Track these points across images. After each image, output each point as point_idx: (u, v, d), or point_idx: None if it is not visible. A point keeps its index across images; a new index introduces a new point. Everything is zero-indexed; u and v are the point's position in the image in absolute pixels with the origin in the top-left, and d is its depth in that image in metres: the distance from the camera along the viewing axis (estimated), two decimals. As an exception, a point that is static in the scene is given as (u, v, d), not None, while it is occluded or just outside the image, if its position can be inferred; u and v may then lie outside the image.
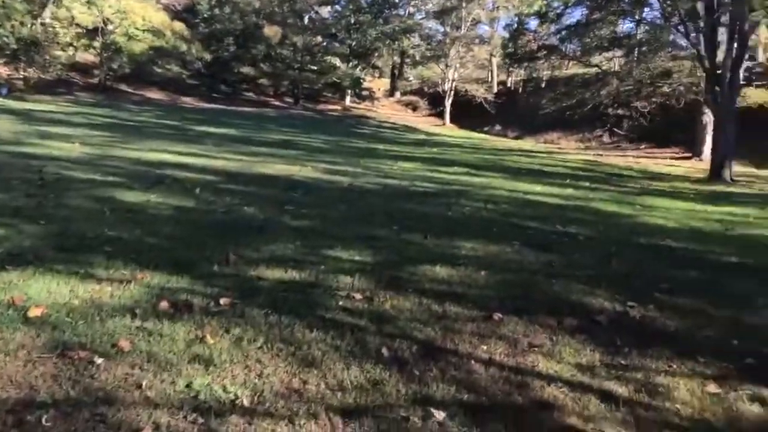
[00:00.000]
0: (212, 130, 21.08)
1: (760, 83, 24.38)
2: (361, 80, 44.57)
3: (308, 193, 9.10)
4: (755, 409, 2.92)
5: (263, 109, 38.31)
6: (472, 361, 3.19)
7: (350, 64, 44.24)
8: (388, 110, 45.04)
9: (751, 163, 23.72)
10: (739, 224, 8.95)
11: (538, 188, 12.42)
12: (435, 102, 43.54)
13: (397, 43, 42.82)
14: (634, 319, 4.04)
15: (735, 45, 17.62)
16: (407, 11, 44.88)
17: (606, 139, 31.68)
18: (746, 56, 18.79)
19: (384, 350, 3.21)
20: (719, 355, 3.51)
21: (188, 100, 37.58)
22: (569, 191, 12.34)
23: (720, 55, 17.98)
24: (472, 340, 3.47)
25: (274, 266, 4.63)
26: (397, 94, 49.27)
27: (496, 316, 3.85)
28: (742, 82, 19.12)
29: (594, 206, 10.19)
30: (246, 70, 43.34)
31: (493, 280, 4.74)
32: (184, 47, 38.45)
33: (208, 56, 40.03)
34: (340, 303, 3.88)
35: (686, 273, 5.40)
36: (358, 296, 4.02)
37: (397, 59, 47.95)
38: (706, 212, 10.33)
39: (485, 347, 3.39)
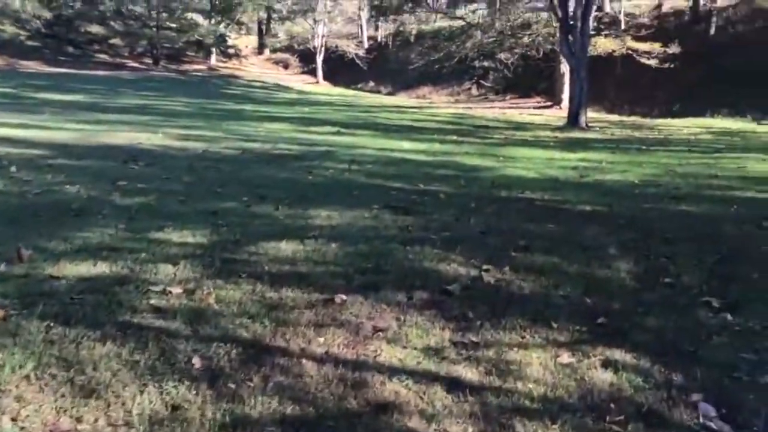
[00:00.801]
0: (56, 97, 18.70)
1: (608, 32, 25.84)
2: (226, 38, 42.05)
3: (151, 165, 8.12)
4: (608, 377, 2.73)
5: (119, 72, 34.87)
6: (304, 360, 2.72)
7: (213, 20, 41.47)
8: (257, 69, 42.99)
9: (604, 109, 25.33)
10: (593, 170, 9.24)
11: (406, 145, 12.19)
12: (307, 59, 42.16)
13: (261, -4, 40.65)
14: (488, 285, 3.78)
15: (585, -4, 18.32)
16: (269, -38, 42.58)
17: (474, 91, 32.42)
18: (594, 7, 19.67)
19: (196, 360, 2.64)
20: (573, 317, 3.32)
21: (30, 65, 33.27)
22: (436, 146, 12.23)
23: (572, 6, 18.64)
24: (307, 332, 3.00)
25: (81, 259, 3.85)
26: (267, 52, 47.14)
27: (339, 298, 3.40)
28: (592, 32, 20.04)
29: (458, 161, 10.11)
30: (95, 29, 39.12)
31: (342, 253, 4.29)
32: (17, 4, 33.86)
33: (47, 14, 35.62)
34: (152, 302, 3.23)
35: (542, 226, 5.29)
36: (177, 290, 3.39)
37: (263, 14, 45.60)
38: (563, 160, 10.63)
39: (322, 339, 2.93)
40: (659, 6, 29.45)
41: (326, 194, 6.56)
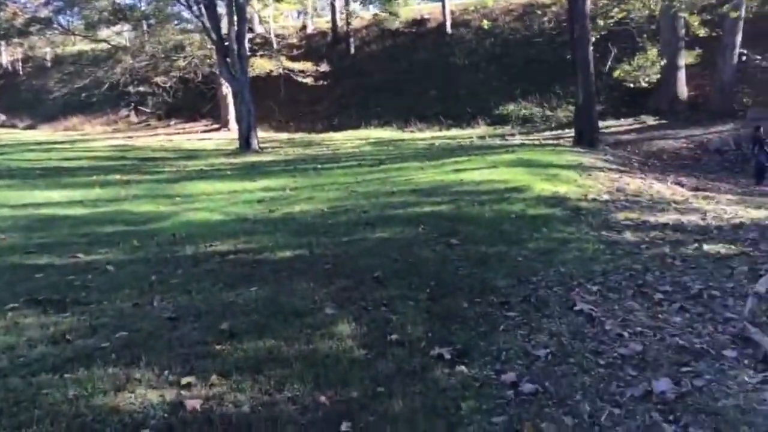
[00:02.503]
0: None
1: (263, 53, 26.35)
2: None
3: None
4: None
5: None
6: None
7: None
8: None
9: (272, 128, 25.79)
10: (280, 201, 8.80)
11: (56, 195, 9.98)
12: None
13: None
14: (193, 415, 2.78)
15: (236, 18, 18.07)
16: None
17: (134, 118, 29.70)
18: (247, 28, 19.63)
19: None
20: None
21: None
22: (96, 192, 10.32)
23: (224, 28, 18.21)
24: None
25: None
26: None
27: None
28: (249, 53, 19.97)
29: (127, 209, 8.58)
30: None
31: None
32: None
33: None
34: None
35: (244, 293, 4.45)
36: None
37: None
38: (247, 192, 9.98)
39: None
40: (304, 27, 31.35)
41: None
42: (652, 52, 18.85)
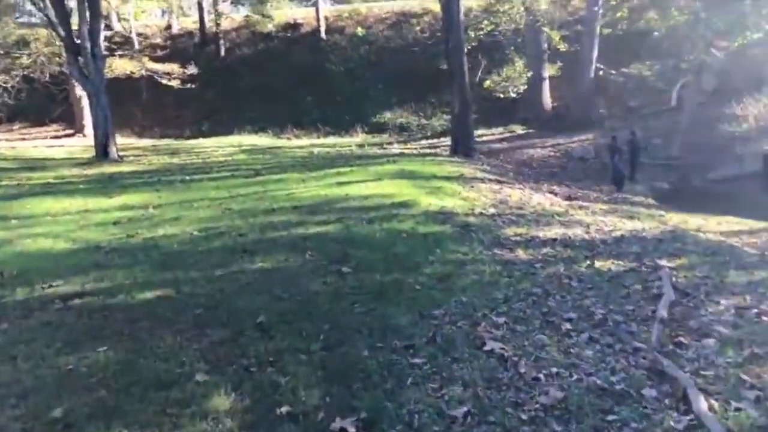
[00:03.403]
0: None
1: (122, 53, 24.10)
2: None
3: None
4: None
5: None
6: None
7: None
8: None
9: (133, 134, 23.66)
10: (141, 222, 7.68)
11: None
12: None
13: None
14: None
15: (88, 13, 16.18)
16: None
17: (-34, 123, 25.88)
18: (103, 24, 17.72)
19: None
20: None
21: None
22: None
23: (75, 23, 16.25)
24: None
25: None
26: None
27: None
28: (105, 53, 18.03)
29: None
30: None
31: None
32: None
33: None
34: None
35: (91, 355, 3.54)
36: None
37: None
38: (101, 211, 8.68)
39: None
40: (169, 27, 29.24)
41: None
42: (519, 63, 19.63)
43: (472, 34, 19.28)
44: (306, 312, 4.18)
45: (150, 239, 6.62)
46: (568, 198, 11.61)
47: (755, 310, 4.52)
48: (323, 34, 26.29)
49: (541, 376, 3.54)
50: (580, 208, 9.69)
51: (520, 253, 6.28)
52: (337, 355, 3.52)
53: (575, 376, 3.55)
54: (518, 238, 6.89)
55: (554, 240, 6.87)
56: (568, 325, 4.32)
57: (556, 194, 11.96)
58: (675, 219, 9.84)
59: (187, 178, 12.21)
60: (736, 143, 15.74)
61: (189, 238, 6.63)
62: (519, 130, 20.90)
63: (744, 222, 10.32)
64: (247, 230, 6.82)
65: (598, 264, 5.91)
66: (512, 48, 20.28)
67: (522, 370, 3.58)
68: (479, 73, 21.33)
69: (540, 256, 6.19)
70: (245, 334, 3.78)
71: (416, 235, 6.55)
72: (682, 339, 4.09)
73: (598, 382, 3.49)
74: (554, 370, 3.61)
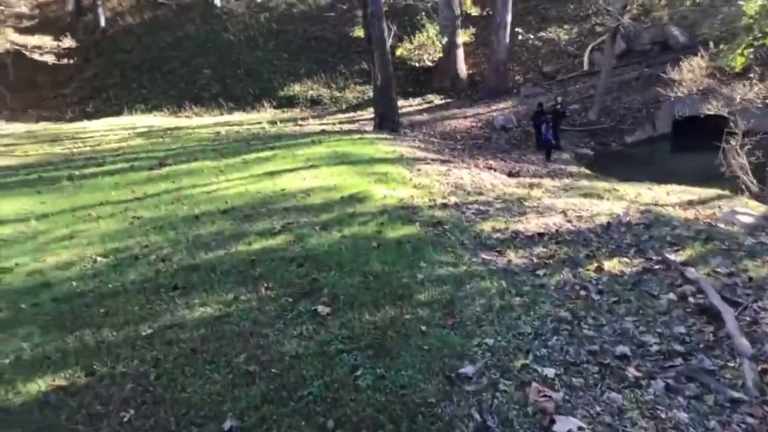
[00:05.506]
0: None
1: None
2: None
3: None
4: None
5: None
6: None
7: None
8: None
9: (3, 118, 20.38)
10: (19, 247, 5.86)
11: None
12: None
13: None
14: None
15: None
16: None
17: None
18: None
19: None
20: None
21: None
22: None
23: None
24: None
25: None
26: None
27: None
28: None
29: None
30: None
31: None
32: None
33: None
34: None
35: None
36: None
37: None
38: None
39: None
40: (35, -8, 25.40)
41: None
42: (432, 30, 18.64)
43: (382, -2, 17.96)
44: (291, 398, 2.89)
45: (34, 274, 4.91)
46: (510, 174, 10.86)
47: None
48: (217, 1, 23.88)
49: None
50: (536, 187, 8.89)
51: (513, 257, 5.27)
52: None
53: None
54: (500, 235, 5.89)
55: (540, 235, 5.93)
56: (631, 369, 3.35)
57: (495, 170, 11.17)
58: (629, 192, 9.30)
59: (77, 173, 10.15)
60: (651, 107, 15.84)
61: (92, 268, 4.98)
62: (437, 100, 19.98)
63: (689, 190, 10.00)
64: (170, 251, 5.27)
65: (605, 265, 5.03)
66: (423, 13, 19.23)
67: (622, 463, 2.55)
68: (389, 41, 20.15)
69: (536, 260, 5.22)
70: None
71: (388, 242, 5.34)
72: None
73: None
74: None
